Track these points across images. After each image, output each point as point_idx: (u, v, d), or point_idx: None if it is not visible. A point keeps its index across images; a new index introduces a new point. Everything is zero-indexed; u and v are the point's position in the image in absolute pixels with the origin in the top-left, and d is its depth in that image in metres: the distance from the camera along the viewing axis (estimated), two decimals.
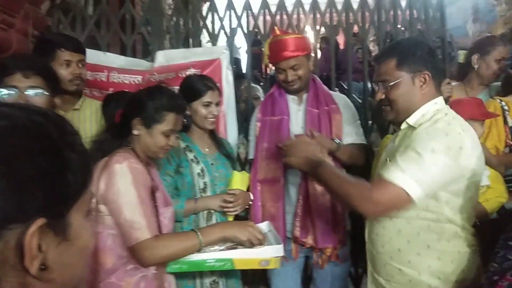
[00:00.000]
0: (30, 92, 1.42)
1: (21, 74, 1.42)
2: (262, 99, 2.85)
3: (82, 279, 0.56)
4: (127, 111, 1.55)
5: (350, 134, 2.09)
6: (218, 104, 1.97)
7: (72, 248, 0.50)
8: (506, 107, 2.32)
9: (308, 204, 1.98)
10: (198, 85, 1.94)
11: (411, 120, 1.47)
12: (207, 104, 1.92)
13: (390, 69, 1.47)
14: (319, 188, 1.94)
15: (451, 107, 1.54)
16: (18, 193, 0.44)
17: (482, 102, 2.16)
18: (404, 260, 1.41)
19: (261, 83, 3.99)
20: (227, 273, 1.81)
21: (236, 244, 1.49)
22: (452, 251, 1.39)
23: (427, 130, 1.37)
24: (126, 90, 2.17)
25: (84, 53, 2.05)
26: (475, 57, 2.49)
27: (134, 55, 2.78)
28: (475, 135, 1.42)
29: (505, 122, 2.31)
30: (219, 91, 2.01)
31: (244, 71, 4.90)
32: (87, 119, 2.02)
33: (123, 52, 2.88)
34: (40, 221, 0.46)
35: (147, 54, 2.92)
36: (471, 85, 2.53)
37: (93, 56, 2.57)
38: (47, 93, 1.46)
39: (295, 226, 2.01)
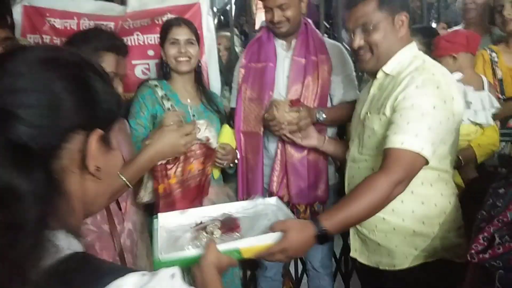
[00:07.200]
0: None
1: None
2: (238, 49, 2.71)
3: (108, 194, 0.72)
4: None
5: (338, 89, 1.95)
6: (192, 42, 1.83)
7: (112, 159, 0.67)
8: (496, 59, 2.24)
9: (285, 159, 1.89)
10: (164, 24, 1.86)
11: (387, 68, 1.42)
12: (174, 42, 1.81)
13: (370, 11, 1.38)
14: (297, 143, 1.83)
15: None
16: (84, 107, 0.60)
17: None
18: (387, 208, 1.36)
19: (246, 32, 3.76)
20: None
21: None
22: (435, 194, 1.39)
23: (415, 83, 1.31)
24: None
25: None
26: None
27: None
28: (453, 78, 1.42)
29: (494, 74, 2.24)
30: (191, 28, 1.85)
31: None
32: None
33: None
34: (99, 132, 0.62)
35: None
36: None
37: (60, 2, 2.42)
38: None
39: (272, 180, 1.93)
